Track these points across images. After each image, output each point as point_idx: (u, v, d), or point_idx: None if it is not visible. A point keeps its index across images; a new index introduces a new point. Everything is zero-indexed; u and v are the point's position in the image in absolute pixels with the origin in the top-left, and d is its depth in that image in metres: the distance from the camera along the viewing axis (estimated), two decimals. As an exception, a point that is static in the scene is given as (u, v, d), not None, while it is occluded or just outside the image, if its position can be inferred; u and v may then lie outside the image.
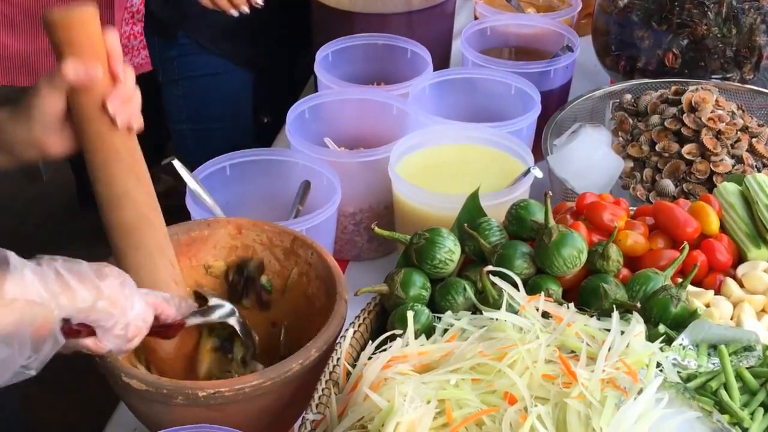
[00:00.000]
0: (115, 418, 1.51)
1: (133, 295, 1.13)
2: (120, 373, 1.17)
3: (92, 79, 1.14)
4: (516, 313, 1.21)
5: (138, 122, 1.20)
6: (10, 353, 1.01)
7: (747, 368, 1.17)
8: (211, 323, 1.34)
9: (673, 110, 1.80)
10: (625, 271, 1.35)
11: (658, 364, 1.14)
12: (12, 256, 1.01)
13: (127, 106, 1.18)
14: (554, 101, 1.97)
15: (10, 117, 1.18)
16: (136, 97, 1.20)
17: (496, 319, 1.19)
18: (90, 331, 1.11)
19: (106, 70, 1.16)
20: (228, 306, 1.34)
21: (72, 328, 1.08)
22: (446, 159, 1.76)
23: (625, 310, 1.23)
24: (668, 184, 1.72)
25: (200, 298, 1.37)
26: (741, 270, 1.39)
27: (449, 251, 1.33)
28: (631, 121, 1.86)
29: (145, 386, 1.15)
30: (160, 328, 1.22)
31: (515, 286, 1.25)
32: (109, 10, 1.97)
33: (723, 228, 1.45)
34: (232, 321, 1.33)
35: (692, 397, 1.10)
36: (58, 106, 1.16)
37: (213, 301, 1.35)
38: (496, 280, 1.25)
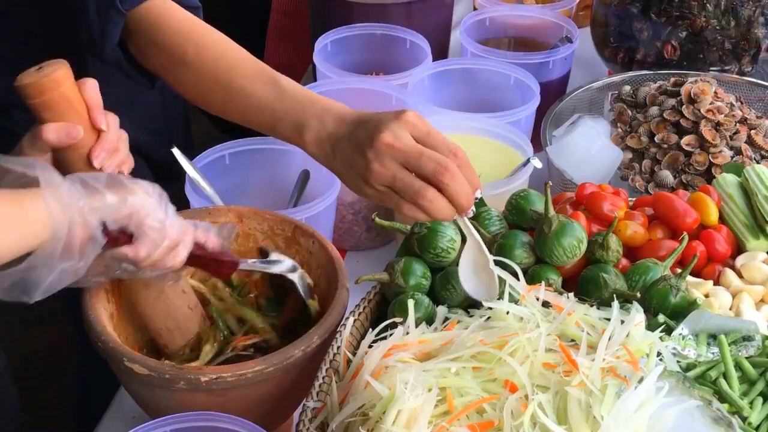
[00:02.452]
0: (114, 406, 1.50)
1: (167, 205, 1.13)
2: (122, 358, 1.16)
3: (74, 140, 1.14)
4: (516, 302, 1.21)
5: (128, 166, 1.20)
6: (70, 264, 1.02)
7: (746, 358, 1.18)
8: (270, 273, 1.34)
9: (672, 102, 1.80)
10: (624, 261, 1.35)
11: (658, 354, 1.14)
12: (40, 170, 1.00)
13: (115, 155, 1.18)
14: (553, 92, 1.98)
15: None
16: (123, 142, 1.20)
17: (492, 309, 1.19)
18: (127, 239, 1.10)
19: (87, 125, 1.15)
20: (289, 261, 1.35)
21: (110, 235, 1.07)
22: (445, 149, 1.76)
23: (625, 300, 1.24)
24: (667, 175, 1.73)
25: (262, 253, 1.38)
26: (740, 260, 1.39)
27: (451, 240, 1.34)
28: (629, 112, 1.86)
29: (148, 371, 1.15)
30: (210, 261, 1.21)
31: (515, 275, 1.25)
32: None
33: (722, 219, 1.45)
34: (294, 277, 1.33)
35: (692, 386, 1.10)
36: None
37: (274, 255, 1.35)
38: (497, 270, 1.25)
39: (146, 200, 1.09)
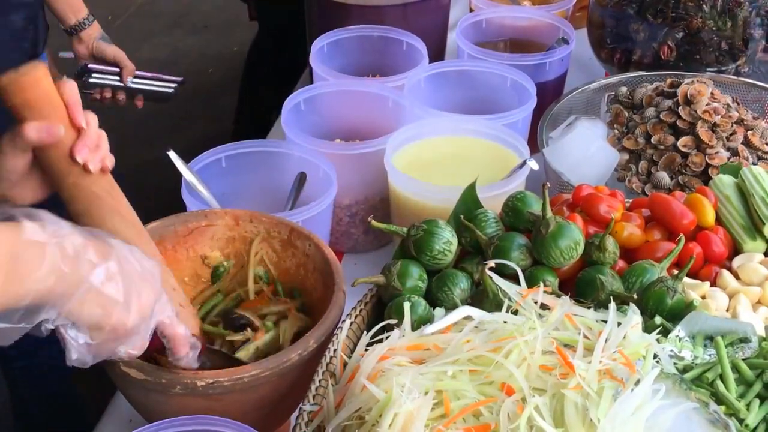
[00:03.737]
0: (110, 410, 1.50)
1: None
2: (118, 363, 1.16)
3: (55, 138, 1.14)
4: (514, 305, 1.21)
5: (111, 162, 1.20)
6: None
7: (743, 359, 1.18)
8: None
9: (669, 103, 1.80)
10: (621, 263, 1.35)
11: (655, 356, 1.14)
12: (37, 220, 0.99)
13: (97, 151, 1.17)
14: (550, 94, 1.98)
15: None
16: (103, 139, 1.19)
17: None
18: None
19: (67, 123, 1.15)
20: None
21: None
22: (442, 151, 1.76)
23: (622, 302, 1.23)
24: (664, 177, 1.72)
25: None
26: (737, 262, 1.39)
27: (447, 242, 1.33)
28: (626, 113, 1.86)
29: (144, 376, 1.15)
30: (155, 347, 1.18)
31: (515, 276, 1.25)
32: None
33: (719, 220, 1.45)
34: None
35: (689, 388, 1.10)
36: (22, 163, 1.16)
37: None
38: (496, 277, 1.25)
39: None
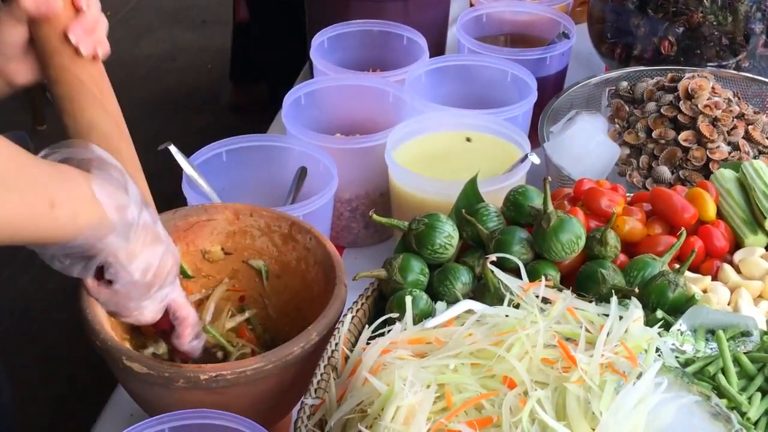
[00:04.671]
0: (110, 404, 1.50)
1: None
2: (121, 356, 1.16)
3: (51, 10, 1.11)
4: (515, 299, 1.21)
5: (104, 49, 1.17)
6: None
7: (744, 353, 1.18)
8: None
9: (670, 97, 1.80)
10: (622, 257, 1.35)
11: (657, 349, 1.14)
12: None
13: (91, 35, 1.15)
14: (550, 88, 1.97)
15: None
16: (101, 24, 1.17)
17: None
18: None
19: (67, 2, 1.13)
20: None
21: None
22: (442, 146, 1.76)
23: (623, 296, 1.23)
24: (664, 171, 1.72)
25: None
26: (738, 256, 1.39)
27: (449, 236, 1.33)
28: (627, 108, 1.86)
29: (147, 370, 1.15)
30: (164, 326, 1.20)
31: (516, 270, 1.25)
32: None
33: (720, 214, 1.45)
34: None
35: (690, 382, 1.10)
36: (19, 35, 1.14)
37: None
38: (498, 271, 1.25)
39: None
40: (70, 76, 1.15)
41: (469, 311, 1.21)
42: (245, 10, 3.97)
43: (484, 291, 1.26)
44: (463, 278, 1.30)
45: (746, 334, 1.21)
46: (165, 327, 1.19)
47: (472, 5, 2.28)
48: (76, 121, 1.17)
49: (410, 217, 1.38)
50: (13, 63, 1.16)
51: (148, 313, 1.12)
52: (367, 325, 1.23)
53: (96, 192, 0.97)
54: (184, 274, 1.38)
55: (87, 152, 1.03)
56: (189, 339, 1.19)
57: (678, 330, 1.20)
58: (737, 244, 1.43)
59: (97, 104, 1.17)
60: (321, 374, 1.17)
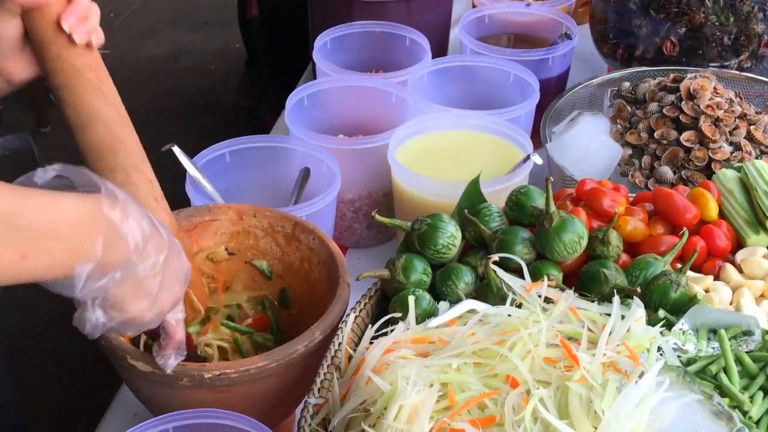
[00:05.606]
0: (115, 404, 1.51)
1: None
2: (125, 356, 1.17)
3: (43, 1, 1.11)
4: (518, 299, 1.21)
5: (98, 37, 1.16)
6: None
7: (746, 352, 1.18)
8: None
9: (672, 98, 1.80)
10: (624, 257, 1.35)
11: (659, 349, 1.14)
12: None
13: (84, 22, 1.14)
14: (553, 89, 1.98)
15: None
16: (94, 12, 1.17)
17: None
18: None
19: None
20: None
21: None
22: (445, 146, 1.77)
23: (626, 295, 1.24)
24: (667, 171, 1.73)
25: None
26: (740, 255, 1.39)
27: (451, 236, 1.34)
28: (629, 108, 1.87)
29: (151, 368, 1.15)
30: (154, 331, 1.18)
31: (519, 270, 1.25)
32: None
33: (722, 214, 1.45)
34: None
35: (692, 381, 1.10)
36: (14, 30, 1.13)
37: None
38: (500, 271, 1.25)
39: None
40: (67, 65, 1.15)
41: (472, 311, 1.21)
42: (255, 8, 3.98)
43: (486, 291, 1.27)
44: (465, 278, 1.31)
45: (748, 333, 1.22)
46: (154, 332, 1.16)
47: (474, 6, 2.29)
48: (76, 110, 1.16)
49: (413, 218, 1.38)
50: (10, 59, 1.15)
51: (137, 331, 1.10)
52: (370, 325, 1.24)
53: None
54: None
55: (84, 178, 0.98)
56: (168, 354, 1.15)
57: (680, 329, 1.20)
58: (739, 243, 1.43)
59: (96, 92, 1.17)
60: (324, 373, 1.18)
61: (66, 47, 1.14)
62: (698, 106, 1.76)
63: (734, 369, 1.15)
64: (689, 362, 1.17)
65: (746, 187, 1.47)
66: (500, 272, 1.25)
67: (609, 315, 1.16)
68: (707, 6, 2.01)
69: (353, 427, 1.10)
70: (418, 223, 1.35)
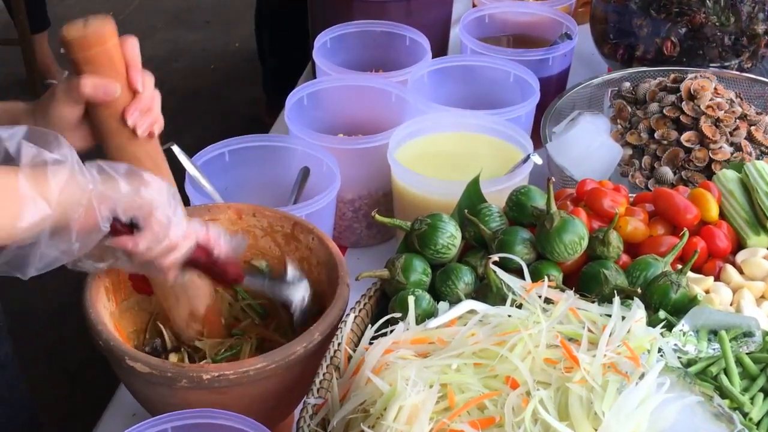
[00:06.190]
0: (113, 404, 1.50)
1: (178, 205, 1.14)
2: (124, 357, 1.16)
3: (110, 97, 1.14)
4: (518, 299, 1.21)
5: (159, 126, 1.20)
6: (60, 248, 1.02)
7: (747, 353, 1.18)
8: (267, 296, 1.36)
9: (672, 98, 1.80)
10: (625, 258, 1.35)
11: (659, 350, 1.14)
12: (26, 147, 1.01)
13: (148, 114, 1.18)
14: (553, 89, 1.98)
15: (27, 112, 1.18)
16: (156, 102, 1.19)
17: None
18: (128, 230, 1.11)
19: (124, 83, 1.15)
20: (301, 290, 1.34)
21: (116, 227, 1.09)
22: (445, 146, 1.77)
23: (626, 296, 1.24)
24: (667, 172, 1.72)
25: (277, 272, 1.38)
26: (740, 256, 1.39)
27: (451, 236, 1.34)
28: (629, 108, 1.86)
29: (149, 369, 1.15)
30: (213, 269, 1.22)
31: (519, 270, 1.25)
32: None
33: (722, 215, 1.45)
34: (296, 307, 1.33)
35: (693, 382, 1.10)
36: (74, 113, 1.16)
37: (291, 274, 1.34)
38: (500, 271, 1.25)
39: (158, 195, 1.10)
40: (128, 155, 1.18)
41: (472, 311, 1.21)
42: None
43: (486, 291, 1.26)
44: (465, 278, 1.30)
45: (748, 334, 1.21)
46: (202, 256, 1.20)
47: (474, 6, 2.28)
48: None
49: (413, 218, 1.38)
50: (67, 135, 1.17)
51: (179, 229, 1.14)
52: (369, 325, 1.23)
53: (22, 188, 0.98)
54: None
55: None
56: (226, 247, 1.21)
57: (680, 330, 1.20)
58: (740, 244, 1.43)
59: None
60: (323, 374, 1.18)
61: (129, 138, 1.17)
62: (699, 106, 1.76)
63: (735, 370, 1.15)
64: (690, 363, 1.17)
65: (747, 188, 1.47)
66: (500, 272, 1.25)
67: (609, 316, 1.16)
68: (708, 6, 2.01)
69: (353, 428, 1.10)
70: (418, 223, 1.35)
